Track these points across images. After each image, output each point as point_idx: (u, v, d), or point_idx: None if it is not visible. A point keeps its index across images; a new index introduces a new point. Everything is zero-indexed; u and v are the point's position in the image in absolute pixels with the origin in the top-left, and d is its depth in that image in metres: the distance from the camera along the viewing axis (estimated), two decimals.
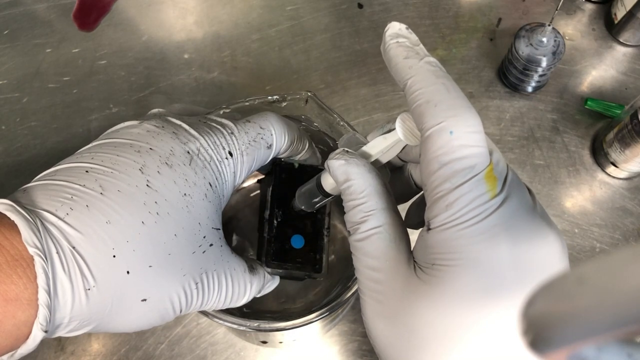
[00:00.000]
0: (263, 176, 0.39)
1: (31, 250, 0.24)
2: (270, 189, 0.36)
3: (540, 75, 0.58)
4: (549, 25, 0.55)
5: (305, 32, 0.64)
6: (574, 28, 0.65)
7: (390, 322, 0.24)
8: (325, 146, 0.41)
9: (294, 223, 0.36)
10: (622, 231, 0.56)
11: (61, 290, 0.24)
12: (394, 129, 0.27)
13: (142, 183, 0.27)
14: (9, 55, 0.62)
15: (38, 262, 0.23)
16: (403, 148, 0.29)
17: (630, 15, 0.60)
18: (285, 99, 0.41)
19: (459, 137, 0.23)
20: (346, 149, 0.28)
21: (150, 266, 0.27)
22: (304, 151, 0.36)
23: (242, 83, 0.62)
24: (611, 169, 0.57)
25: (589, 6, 0.65)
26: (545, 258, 0.23)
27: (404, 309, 0.24)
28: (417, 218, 0.33)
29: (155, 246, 0.27)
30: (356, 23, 0.65)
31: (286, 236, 0.35)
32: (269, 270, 0.34)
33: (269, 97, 0.40)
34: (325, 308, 0.36)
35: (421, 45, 0.26)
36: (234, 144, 0.32)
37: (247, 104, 0.40)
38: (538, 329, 0.14)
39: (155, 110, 0.34)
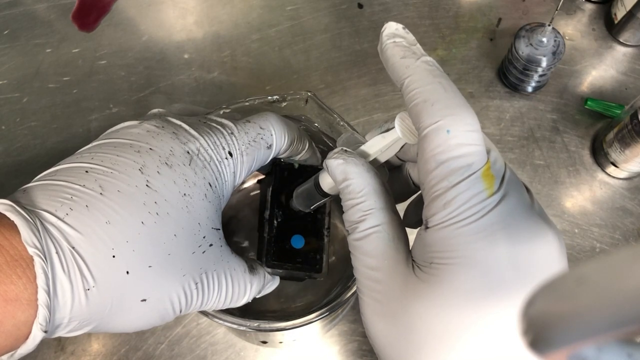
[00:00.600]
0: (263, 176, 0.39)
1: (31, 251, 0.23)
2: (271, 189, 0.36)
3: (540, 75, 0.58)
4: (549, 25, 0.55)
5: (305, 32, 0.64)
6: (574, 28, 0.65)
7: (389, 321, 0.24)
8: (325, 146, 0.41)
9: (294, 223, 0.36)
10: (622, 231, 0.55)
11: (61, 291, 0.24)
12: (393, 127, 0.27)
13: (141, 183, 0.27)
14: (9, 55, 0.62)
15: (37, 263, 0.23)
16: (402, 147, 0.29)
17: (630, 15, 0.60)
18: (285, 99, 0.40)
19: (456, 136, 0.23)
20: (345, 148, 0.28)
21: (150, 266, 0.27)
22: (304, 151, 0.36)
23: (242, 83, 0.62)
24: (611, 169, 0.57)
25: (589, 6, 0.65)
26: (544, 257, 0.23)
27: (402, 308, 0.24)
28: (416, 217, 0.33)
29: (155, 246, 0.27)
30: (356, 23, 0.65)
31: (286, 236, 0.35)
32: (269, 270, 0.34)
33: (269, 97, 0.40)
34: (325, 308, 0.36)
35: (418, 45, 0.26)
36: (233, 144, 0.32)
37: (247, 104, 0.40)
38: (538, 329, 0.14)
39: (155, 110, 0.34)
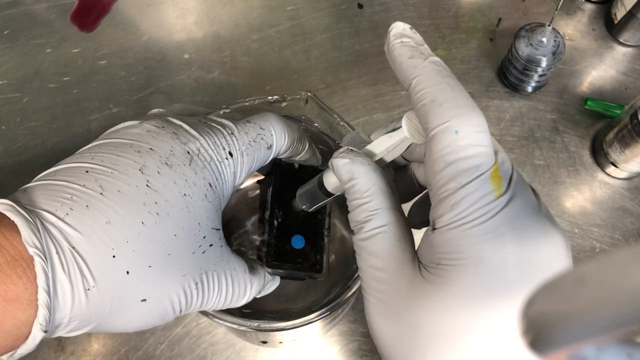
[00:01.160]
0: (263, 176, 0.39)
1: (31, 251, 0.23)
2: (271, 189, 0.36)
3: (540, 75, 0.58)
4: (549, 25, 0.55)
5: (305, 32, 0.64)
6: (574, 28, 0.65)
7: (394, 321, 0.24)
8: (325, 146, 0.41)
9: (294, 223, 0.36)
10: (622, 231, 0.55)
11: (61, 291, 0.24)
12: (399, 127, 0.27)
13: (142, 183, 0.27)
14: (9, 55, 0.62)
15: (38, 262, 0.23)
16: (408, 147, 0.29)
17: (630, 15, 0.60)
18: (285, 99, 0.40)
19: (464, 137, 0.23)
20: (350, 147, 0.28)
21: (150, 266, 0.27)
22: (304, 152, 0.36)
23: (242, 83, 0.62)
24: (611, 169, 0.57)
25: (589, 6, 0.65)
26: (551, 258, 0.23)
27: (408, 308, 0.24)
28: (420, 217, 0.33)
29: (155, 246, 0.27)
30: (356, 23, 0.65)
31: (287, 236, 0.35)
32: (270, 270, 0.34)
33: (269, 97, 0.40)
34: (325, 308, 0.36)
35: (425, 45, 0.26)
36: (234, 144, 0.32)
37: (247, 104, 0.40)
38: (538, 329, 0.14)
39: (155, 110, 0.34)
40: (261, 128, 0.33)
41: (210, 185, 0.30)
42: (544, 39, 0.55)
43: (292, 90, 0.61)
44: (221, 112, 0.39)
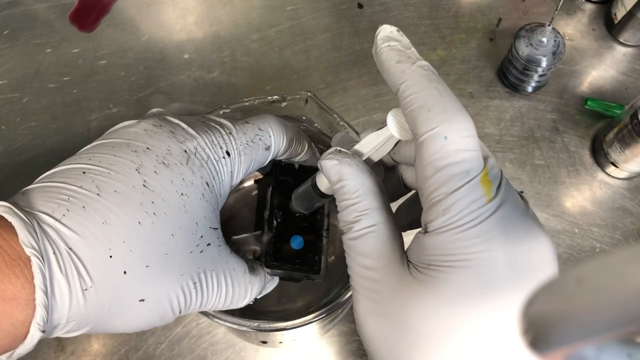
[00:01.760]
0: (261, 177, 0.39)
1: (28, 251, 0.24)
2: (270, 189, 0.36)
3: (540, 75, 0.57)
4: (549, 25, 0.55)
5: (305, 32, 0.64)
6: (574, 28, 0.64)
7: (383, 319, 0.24)
8: (325, 146, 0.41)
9: (293, 224, 0.36)
10: (622, 231, 0.55)
11: (58, 291, 0.24)
12: (386, 125, 0.27)
13: (138, 183, 0.27)
14: (9, 55, 0.62)
15: (35, 263, 0.23)
16: (396, 144, 0.29)
17: (630, 15, 0.60)
18: (285, 99, 0.40)
19: (453, 142, 0.23)
20: (339, 148, 0.28)
21: (147, 266, 0.27)
22: (304, 152, 0.36)
23: (242, 83, 0.62)
24: (611, 169, 0.57)
25: (589, 6, 0.65)
26: (539, 259, 0.23)
27: (398, 307, 0.24)
28: (407, 219, 0.33)
29: (152, 246, 0.27)
30: (356, 23, 0.65)
31: (285, 237, 0.35)
32: (269, 271, 0.34)
33: (269, 97, 0.40)
34: (325, 308, 0.36)
35: (413, 49, 0.26)
36: (231, 143, 0.32)
37: (247, 104, 0.40)
38: (538, 329, 0.14)
39: (154, 110, 0.34)
40: (259, 129, 0.33)
41: (208, 185, 0.30)
42: (544, 39, 0.55)
43: (292, 90, 0.61)
44: (221, 112, 0.39)
